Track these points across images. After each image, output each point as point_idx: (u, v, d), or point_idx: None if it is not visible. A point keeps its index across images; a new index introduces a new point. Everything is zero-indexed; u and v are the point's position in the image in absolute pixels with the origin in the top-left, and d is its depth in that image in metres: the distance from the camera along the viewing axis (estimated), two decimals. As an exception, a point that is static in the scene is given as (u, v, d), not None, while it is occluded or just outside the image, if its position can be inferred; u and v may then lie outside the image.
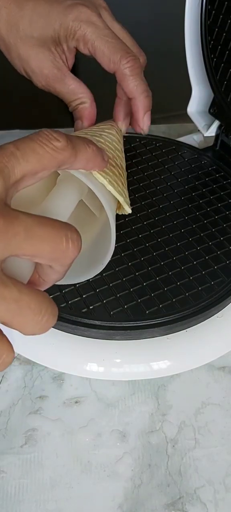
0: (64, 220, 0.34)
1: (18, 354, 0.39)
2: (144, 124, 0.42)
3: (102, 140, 0.38)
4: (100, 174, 0.34)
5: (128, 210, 0.38)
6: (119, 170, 0.37)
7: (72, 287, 0.38)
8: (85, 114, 0.43)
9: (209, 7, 0.49)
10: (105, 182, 0.34)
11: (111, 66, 0.40)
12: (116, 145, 0.39)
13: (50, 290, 0.38)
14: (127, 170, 0.48)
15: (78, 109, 0.43)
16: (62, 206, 0.34)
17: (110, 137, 0.39)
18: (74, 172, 0.33)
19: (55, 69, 0.41)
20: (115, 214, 0.37)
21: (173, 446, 0.35)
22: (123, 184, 0.37)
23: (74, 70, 0.43)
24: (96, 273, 0.36)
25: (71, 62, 0.43)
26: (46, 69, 0.41)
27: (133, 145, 0.51)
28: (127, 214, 0.40)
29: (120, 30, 0.42)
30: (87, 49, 0.40)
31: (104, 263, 0.35)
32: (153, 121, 0.56)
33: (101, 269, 0.36)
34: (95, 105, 0.43)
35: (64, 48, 0.41)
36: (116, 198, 0.37)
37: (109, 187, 0.34)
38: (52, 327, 0.37)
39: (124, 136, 0.51)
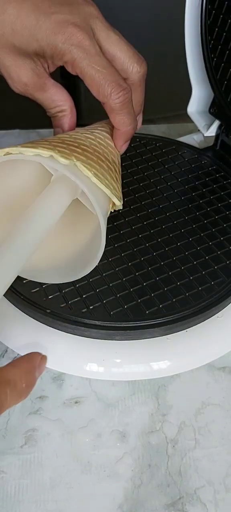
0: (56, 219, 0.34)
1: (18, 354, 0.39)
2: (121, 150, 0.41)
3: (92, 137, 0.38)
4: (86, 167, 0.34)
5: (117, 202, 0.38)
6: (109, 164, 0.37)
7: (72, 287, 0.38)
8: (65, 123, 0.41)
9: (209, 6, 0.49)
10: (89, 174, 0.34)
11: (101, 97, 0.38)
12: (108, 142, 0.39)
13: (50, 290, 0.38)
14: (127, 170, 0.49)
15: (58, 117, 0.41)
16: (54, 206, 0.34)
17: (103, 134, 0.39)
18: (62, 169, 0.33)
19: (35, 77, 0.39)
20: (107, 210, 0.37)
21: (173, 446, 0.35)
22: (112, 178, 0.37)
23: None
24: (92, 268, 0.36)
25: (52, 70, 0.40)
26: (26, 77, 0.39)
27: (133, 145, 0.51)
28: (120, 210, 0.40)
29: (117, 41, 0.39)
30: (75, 72, 0.38)
31: (98, 257, 0.35)
32: (153, 121, 0.56)
33: (96, 264, 0.36)
34: (76, 112, 0.42)
35: (48, 62, 0.39)
36: (109, 199, 0.37)
37: (94, 179, 0.34)
38: (52, 327, 0.37)
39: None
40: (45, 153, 0.33)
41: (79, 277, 0.37)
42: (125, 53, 0.39)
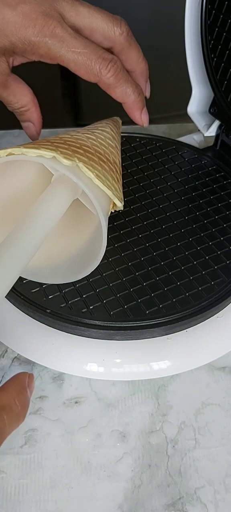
0: (56, 220, 0.34)
1: (18, 354, 0.39)
2: (143, 121, 0.40)
3: (93, 137, 0.38)
4: (88, 168, 0.34)
5: (118, 204, 0.37)
6: (110, 165, 0.37)
7: (72, 287, 0.38)
8: (31, 116, 0.40)
9: (209, 6, 0.49)
10: (92, 176, 0.34)
11: (92, 78, 0.36)
12: (110, 142, 0.39)
13: (50, 290, 0.38)
14: (127, 170, 0.49)
15: (22, 112, 0.40)
16: (54, 207, 0.34)
17: (104, 134, 0.39)
18: (64, 171, 0.33)
19: None
20: (108, 210, 0.37)
21: (173, 446, 0.35)
22: (114, 179, 0.37)
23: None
24: (93, 269, 0.36)
25: (16, 64, 0.39)
26: None
27: (133, 145, 0.51)
28: (120, 210, 0.39)
29: (89, 13, 0.37)
30: (56, 61, 0.36)
31: (99, 258, 0.35)
32: (153, 121, 0.56)
33: (97, 265, 0.35)
34: (39, 107, 0.40)
35: (18, 56, 0.38)
36: (110, 200, 0.37)
37: (96, 181, 0.34)
38: (52, 327, 0.37)
39: (123, 136, 0.51)
40: (48, 154, 0.33)
41: (80, 278, 0.37)
42: (100, 21, 0.38)
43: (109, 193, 0.36)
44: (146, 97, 0.43)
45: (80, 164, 0.34)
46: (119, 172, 0.39)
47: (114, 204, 0.39)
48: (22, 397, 0.30)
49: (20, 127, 0.44)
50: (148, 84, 0.42)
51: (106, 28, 0.38)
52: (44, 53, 0.36)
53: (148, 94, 0.42)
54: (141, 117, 0.39)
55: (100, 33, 0.38)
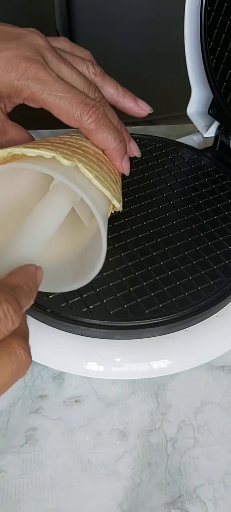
0: (54, 229, 0.33)
1: (19, 353, 0.39)
2: (124, 169, 0.39)
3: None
4: (87, 169, 0.34)
5: (116, 205, 0.37)
6: (109, 166, 0.37)
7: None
8: None
9: (208, 8, 0.49)
10: (91, 176, 0.34)
11: (73, 123, 0.36)
12: None
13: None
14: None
15: None
16: (53, 216, 0.34)
17: None
18: (61, 178, 0.32)
19: None
20: (107, 212, 0.37)
21: (173, 445, 0.35)
22: (112, 180, 0.37)
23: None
24: (95, 275, 0.35)
25: (9, 110, 0.39)
26: None
27: (133, 145, 0.51)
28: (119, 211, 0.39)
29: (69, 71, 0.38)
30: (39, 105, 0.37)
31: (100, 263, 0.34)
32: (153, 122, 0.56)
33: (98, 270, 0.35)
34: None
35: (5, 102, 0.38)
36: (109, 202, 0.37)
37: (95, 182, 0.34)
38: (52, 326, 0.37)
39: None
40: (48, 154, 0.33)
41: (82, 285, 0.35)
42: (78, 83, 0.38)
43: (108, 194, 0.36)
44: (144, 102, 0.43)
45: (80, 165, 0.34)
46: (117, 173, 0.39)
47: (113, 206, 0.39)
48: (31, 278, 0.29)
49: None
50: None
51: (81, 69, 0.39)
52: (27, 96, 0.36)
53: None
54: (121, 164, 0.39)
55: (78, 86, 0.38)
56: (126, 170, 0.39)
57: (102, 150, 0.38)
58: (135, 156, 0.43)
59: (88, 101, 0.36)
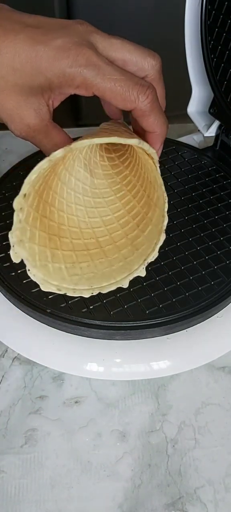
0: None
1: (18, 354, 0.39)
2: (159, 153, 0.38)
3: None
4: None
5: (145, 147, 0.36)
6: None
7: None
8: None
9: (209, 7, 0.49)
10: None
11: (128, 106, 0.36)
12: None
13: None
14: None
15: None
16: None
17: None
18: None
19: (38, 119, 0.37)
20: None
21: (173, 446, 0.35)
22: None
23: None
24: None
25: (56, 105, 0.38)
26: (28, 119, 0.36)
27: (133, 145, 0.51)
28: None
29: (122, 44, 0.37)
30: (92, 92, 0.36)
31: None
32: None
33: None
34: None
35: (55, 94, 0.37)
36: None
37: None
38: (52, 327, 0.37)
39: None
40: (112, 139, 0.33)
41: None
42: (134, 52, 0.38)
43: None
44: None
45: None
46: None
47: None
48: None
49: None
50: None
51: (140, 60, 0.38)
52: (80, 83, 0.35)
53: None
54: (159, 149, 0.38)
55: (134, 64, 0.38)
56: (159, 155, 0.39)
57: (145, 134, 0.38)
58: None
59: (144, 82, 0.36)
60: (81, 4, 0.91)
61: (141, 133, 0.39)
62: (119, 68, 0.36)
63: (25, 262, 0.34)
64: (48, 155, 0.37)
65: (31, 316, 0.38)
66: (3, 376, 0.38)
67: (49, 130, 0.38)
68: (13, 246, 0.34)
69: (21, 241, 0.34)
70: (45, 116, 0.37)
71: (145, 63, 0.38)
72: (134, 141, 0.34)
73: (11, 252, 0.33)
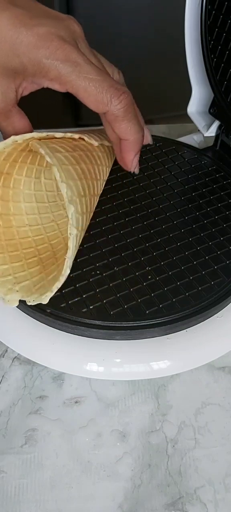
0: None
1: (18, 354, 0.39)
2: (133, 165, 0.38)
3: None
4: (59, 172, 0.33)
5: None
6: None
7: (72, 287, 0.38)
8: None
9: (209, 7, 0.49)
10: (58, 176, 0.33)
11: (100, 108, 0.35)
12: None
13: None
14: (127, 171, 0.49)
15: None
16: None
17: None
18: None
19: (3, 103, 0.36)
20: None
21: (173, 446, 0.35)
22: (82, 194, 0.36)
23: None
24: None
25: (26, 93, 0.37)
26: None
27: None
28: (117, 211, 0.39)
29: (98, 60, 0.37)
30: (65, 89, 0.35)
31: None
32: (153, 121, 0.56)
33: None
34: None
35: (28, 81, 0.36)
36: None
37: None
38: (52, 327, 0.37)
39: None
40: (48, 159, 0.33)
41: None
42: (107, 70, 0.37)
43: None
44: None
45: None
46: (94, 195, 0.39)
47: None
48: None
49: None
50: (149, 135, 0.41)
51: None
52: (54, 77, 0.34)
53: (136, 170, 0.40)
54: (133, 159, 0.37)
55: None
56: (135, 168, 0.38)
57: (120, 141, 0.37)
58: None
59: (119, 86, 0.35)
60: (81, 4, 0.91)
61: (115, 142, 0.38)
62: (97, 69, 0.35)
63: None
64: (5, 137, 0.36)
65: (31, 316, 0.38)
66: (3, 376, 0.38)
67: (11, 115, 0.37)
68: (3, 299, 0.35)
69: (9, 289, 0.35)
70: (11, 101, 0.36)
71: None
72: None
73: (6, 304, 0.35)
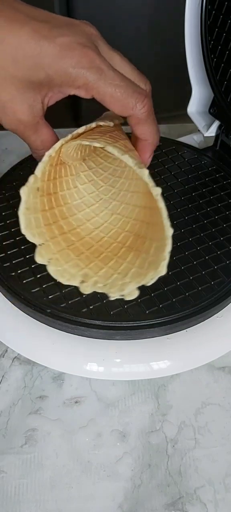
0: None
1: (18, 354, 0.39)
2: (147, 163, 0.39)
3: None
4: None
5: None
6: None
7: (73, 287, 0.38)
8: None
9: (209, 7, 0.49)
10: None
11: (125, 112, 0.36)
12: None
13: (50, 290, 0.38)
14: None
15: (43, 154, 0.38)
16: None
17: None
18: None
19: (31, 115, 0.36)
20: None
21: (173, 446, 0.35)
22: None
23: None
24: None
25: (51, 103, 0.38)
26: (21, 114, 0.36)
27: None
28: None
29: (120, 60, 0.38)
30: (91, 95, 0.36)
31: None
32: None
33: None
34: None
35: (53, 92, 0.36)
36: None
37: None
38: (52, 327, 0.37)
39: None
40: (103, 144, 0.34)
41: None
42: (128, 71, 0.38)
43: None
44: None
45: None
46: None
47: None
48: None
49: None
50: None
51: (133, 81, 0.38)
52: (82, 84, 0.35)
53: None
54: (149, 158, 0.39)
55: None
56: (148, 164, 0.39)
57: (137, 140, 0.38)
58: None
59: (142, 90, 0.36)
60: (81, 4, 0.91)
61: (132, 140, 0.39)
62: (120, 74, 0.36)
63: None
64: (34, 151, 0.38)
65: (31, 316, 0.38)
66: (3, 376, 0.38)
67: (39, 127, 0.37)
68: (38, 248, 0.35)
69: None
70: (38, 113, 0.37)
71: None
72: (144, 173, 0.34)
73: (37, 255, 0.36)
